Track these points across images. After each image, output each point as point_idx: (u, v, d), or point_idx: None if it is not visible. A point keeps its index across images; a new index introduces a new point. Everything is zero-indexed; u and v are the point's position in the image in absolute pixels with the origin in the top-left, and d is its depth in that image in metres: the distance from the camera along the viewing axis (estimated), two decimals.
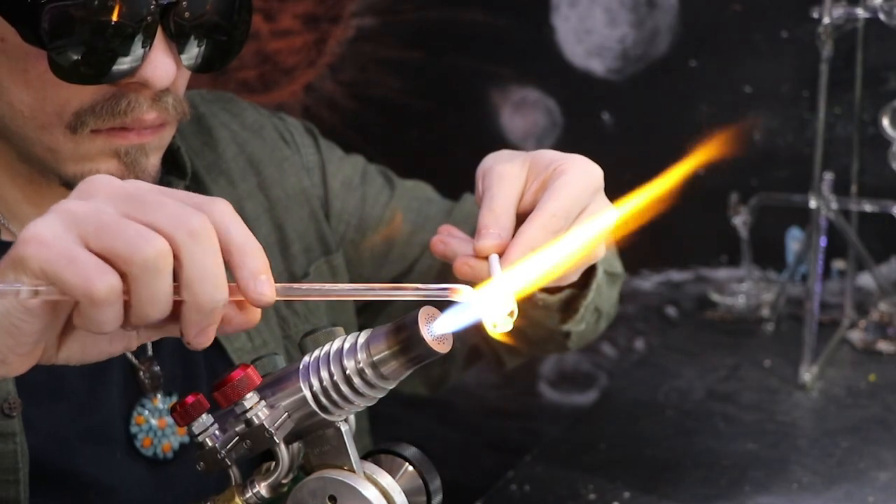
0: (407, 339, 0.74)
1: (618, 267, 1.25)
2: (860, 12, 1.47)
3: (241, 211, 1.14)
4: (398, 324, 0.75)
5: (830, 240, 1.57)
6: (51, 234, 0.69)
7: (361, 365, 0.75)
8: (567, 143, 1.92)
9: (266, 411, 0.78)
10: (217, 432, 0.80)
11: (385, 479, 0.81)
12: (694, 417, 1.40)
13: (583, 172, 0.93)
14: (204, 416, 0.80)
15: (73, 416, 1.03)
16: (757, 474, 1.24)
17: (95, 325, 0.70)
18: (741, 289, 1.76)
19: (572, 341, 1.15)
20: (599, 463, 1.28)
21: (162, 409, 1.07)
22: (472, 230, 1.03)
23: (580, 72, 1.89)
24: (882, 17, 1.45)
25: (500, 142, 1.96)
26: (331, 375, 0.76)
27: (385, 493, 0.80)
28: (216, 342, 1.09)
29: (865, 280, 1.73)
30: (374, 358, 0.75)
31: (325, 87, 2.03)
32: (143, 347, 1.07)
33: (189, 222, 0.70)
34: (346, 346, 0.76)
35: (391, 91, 2.01)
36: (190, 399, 0.80)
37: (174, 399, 1.08)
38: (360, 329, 1.22)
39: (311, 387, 0.77)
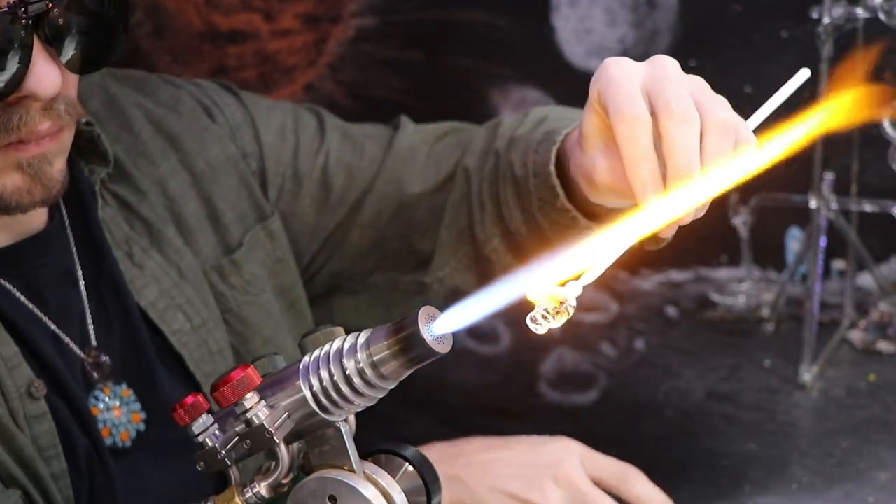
0: (407, 339, 0.74)
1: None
2: (860, 12, 1.47)
3: (165, 190, 1.15)
4: (398, 324, 0.75)
5: (830, 240, 1.56)
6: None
7: (361, 365, 0.75)
8: None
9: (266, 411, 0.78)
10: (217, 432, 0.80)
11: (385, 479, 0.81)
12: (694, 417, 1.40)
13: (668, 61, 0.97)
14: (204, 416, 0.80)
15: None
16: (757, 474, 1.24)
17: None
18: (741, 289, 1.76)
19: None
20: None
21: (115, 399, 1.07)
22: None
23: (580, 72, 1.89)
24: (882, 17, 1.45)
25: None
26: (331, 375, 0.76)
27: (385, 493, 0.80)
28: (154, 327, 1.10)
29: (865, 280, 1.72)
30: (374, 358, 0.75)
31: (325, 87, 2.03)
32: (86, 339, 1.07)
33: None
34: (346, 346, 0.76)
35: (391, 91, 2.01)
36: (190, 399, 0.80)
37: (124, 387, 1.07)
38: (310, 299, 1.23)
39: (311, 387, 0.77)
